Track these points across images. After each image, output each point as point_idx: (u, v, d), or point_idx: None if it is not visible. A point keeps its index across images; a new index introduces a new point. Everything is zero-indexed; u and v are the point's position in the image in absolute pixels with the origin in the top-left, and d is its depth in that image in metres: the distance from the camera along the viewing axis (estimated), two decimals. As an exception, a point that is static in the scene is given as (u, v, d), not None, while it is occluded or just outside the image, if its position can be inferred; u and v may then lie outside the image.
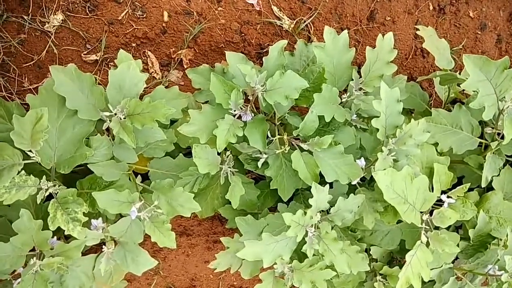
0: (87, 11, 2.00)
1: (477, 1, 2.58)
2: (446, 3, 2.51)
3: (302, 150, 1.57)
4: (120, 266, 1.53)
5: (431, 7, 2.52)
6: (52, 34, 1.98)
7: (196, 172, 1.63)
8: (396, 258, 1.97)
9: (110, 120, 1.39)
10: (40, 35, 1.98)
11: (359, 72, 1.70)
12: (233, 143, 1.67)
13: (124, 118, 1.38)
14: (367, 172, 1.73)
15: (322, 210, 1.60)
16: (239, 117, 1.58)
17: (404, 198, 1.49)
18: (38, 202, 1.38)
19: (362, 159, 1.67)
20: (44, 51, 1.98)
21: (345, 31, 1.65)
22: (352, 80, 1.65)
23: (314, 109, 1.52)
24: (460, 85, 1.49)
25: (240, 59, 1.56)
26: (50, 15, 1.95)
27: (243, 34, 2.22)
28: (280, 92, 1.49)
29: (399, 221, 1.75)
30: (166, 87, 1.72)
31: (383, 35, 1.66)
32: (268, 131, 1.63)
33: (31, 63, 1.99)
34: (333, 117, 1.61)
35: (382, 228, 1.76)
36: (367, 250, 1.83)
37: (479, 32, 2.60)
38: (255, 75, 1.48)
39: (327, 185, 1.52)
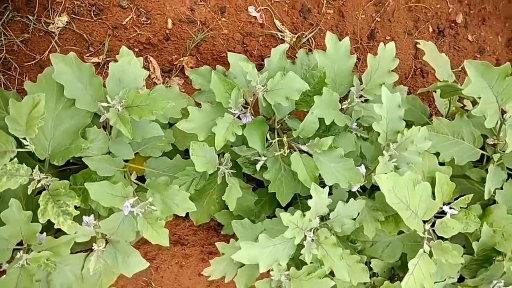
0: (92, 15, 2.02)
1: (475, 25, 2.63)
2: (445, 26, 2.56)
3: (302, 152, 1.54)
4: (111, 267, 1.46)
5: (430, 29, 2.56)
6: (56, 35, 1.99)
7: (193, 173, 1.60)
8: (397, 275, 1.90)
9: (107, 111, 1.37)
10: (44, 36, 1.99)
11: (360, 80, 1.70)
12: (232, 144, 1.65)
13: (122, 109, 1.36)
14: (367, 181, 1.70)
15: (321, 216, 1.55)
16: (239, 118, 1.56)
17: (407, 204, 1.45)
18: (29, 192, 1.34)
19: (363, 166, 1.64)
20: (47, 51, 1.99)
21: (347, 37, 1.66)
22: (353, 86, 1.65)
23: (314, 111, 1.50)
24: (462, 92, 1.48)
25: (241, 59, 1.56)
26: (55, 16, 1.97)
27: (245, 45, 2.24)
28: (281, 93, 1.49)
29: (400, 232, 1.70)
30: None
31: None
32: (268, 134, 1.61)
33: (33, 62, 1.99)
34: (333, 123, 1.60)
35: (383, 239, 1.71)
36: (367, 264, 1.76)
37: (478, 56, 2.64)
38: (257, 74, 1.47)
39: (327, 187, 1.49)
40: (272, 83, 1.48)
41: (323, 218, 1.58)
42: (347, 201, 1.58)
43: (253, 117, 1.61)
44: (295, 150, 1.56)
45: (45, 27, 1.98)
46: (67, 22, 2.01)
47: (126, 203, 1.35)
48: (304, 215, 1.43)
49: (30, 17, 1.95)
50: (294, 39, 2.31)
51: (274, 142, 1.59)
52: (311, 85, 1.63)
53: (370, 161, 1.73)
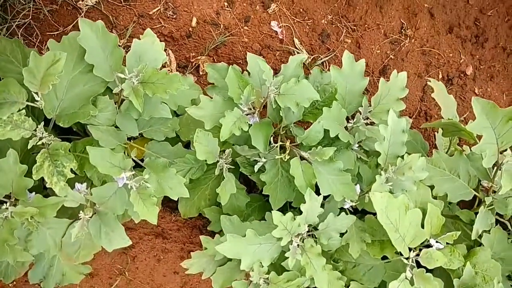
0: (122, 0, 2.08)
1: (483, 80, 2.72)
2: (455, 75, 2.64)
3: (302, 159, 1.56)
4: (93, 239, 1.45)
5: (440, 75, 2.65)
6: (83, 11, 2.05)
7: (191, 161, 1.61)
8: (373, 304, 1.88)
9: (122, 83, 1.40)
10: (71, 10, 2.05)
11: (369, 103, 1.74)
12: (234, 143, 1.67)
13: (138, 83, 1.39)
14: (360, 203, 1.71)
15: (310, 227, 1.55)
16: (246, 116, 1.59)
17: (396, 227, 1.46)
18: (29, 147, 1.34)
19: (358, 186, 1.66)
20: (71, 26, 2.04)
21: (363, 59, 1.72)
22: (361, 107, 1.69)
23: (321, 121, 1.54)
24: (466, 127, 1.52)
25: (260, 60, 1.60)
26: (87, -6, 2.03)
27: (262, 56, 2.30)
28: (292, 98, 1.52)
29: (384, 258, 1.70)
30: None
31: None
32: (271, 138, 1.64)
33: (55, 33, 2.03)
34: (336, 138, 1.63)
35: (366, 262, 1.71)
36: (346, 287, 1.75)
37: (481, 110, 2.70)
38: (272, 77, 1.52)
39: (321, 196, 1.50)
40: (286, 87, 1.52)
41: (311, 229, 1.58)
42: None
43: (260, 119, 1.64)
44: (295, 156, 1.58)
45: (74, 2, 2.04)
46: (96, 1, 2.07)
47: (123, 174, 1.36)
48: (294, 219, 1.43)
49: (63, -10, 2.01)
50: (309, 60, 2.37)
51: (276, 146, 1.62)
52: (321, 98, 1.67)
53: (366, 184, 1.75)
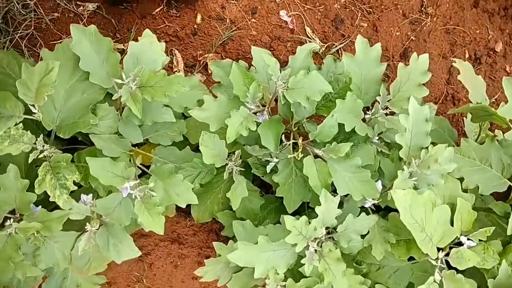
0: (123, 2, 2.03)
1: (515, 57, 2.51)
2: (483, 53, 2.45)
3: (316, 157, 1.46)
4: (101, 250, 1.40)
5: (467, 55, 2.46)
6: (84, 17, 2.00)
7: (200, 166, 1.54)
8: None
9: (121, 89, 1.33)
10: (73, 17, 2.01)
11: (388, 91, 1.61)
12: (245, 143, 1.59)
13: (136, 88, 1.32)
14: (382, 200, 1.59)
15: (328, 229, 1.45)
16: (255, 115, 1.50)
17: (422, 226, 1.34)
18: (30, 161, 1.30)
19: (380, 182, 1.54)
20: (74, 32, 2.00)
21: (378, 44, 1.59)
22: (379, 96, 1.56)
23: (335, 114, 1.42)
24: (497, 112, 1.37)
25: (265, 53, 1.50)
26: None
27: (272, 49, 2.19)
28: (302, 92, 1.42)
29: (411, 259, 1.58)
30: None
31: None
32: (283, 135, 1.54)
33: (59, 41, 2.00)
34: (353, 132, 1.51)
35: (391, 264, 1.59)
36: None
37: (514, 89, 2.50)
38: (279, 70, 1.42)
39: (338, 196, 1.39)
40: (294, 81, 1.41)
41: (329, 232, 1.48)
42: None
43: (269, 116, 1.55)
44: (308, 154, 1.48)
45: (75, 8, 2.00)
46: (97, 6, 2.02)
47: (126, 184, 1.30)
48: (309, 223, 1.33)
49: (63, -2, 1.97)
50: (323, 49, 2.25)
51: (289, 145, 1.52)
52: (334, 90, 1.55)
53: (388, 179, 1.62)
